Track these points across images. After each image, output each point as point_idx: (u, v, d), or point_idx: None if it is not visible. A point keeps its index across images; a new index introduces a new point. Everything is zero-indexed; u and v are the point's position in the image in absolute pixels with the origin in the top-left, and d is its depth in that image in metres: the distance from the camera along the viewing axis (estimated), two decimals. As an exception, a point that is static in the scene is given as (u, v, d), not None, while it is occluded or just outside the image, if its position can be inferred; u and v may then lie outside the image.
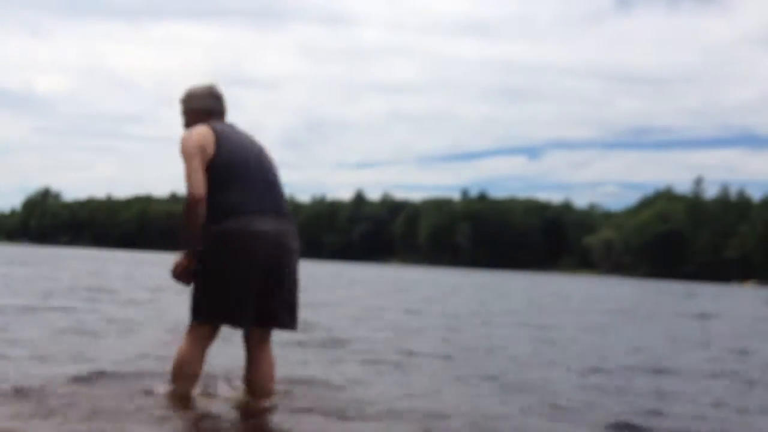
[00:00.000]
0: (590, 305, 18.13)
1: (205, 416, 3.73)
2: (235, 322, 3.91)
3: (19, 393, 3.99)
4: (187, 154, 3.88)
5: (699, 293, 35.88)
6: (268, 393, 4.05)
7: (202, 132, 3.94)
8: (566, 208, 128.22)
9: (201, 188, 3.81)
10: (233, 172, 3.93)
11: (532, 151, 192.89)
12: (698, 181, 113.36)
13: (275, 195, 4.03)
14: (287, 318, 4.00)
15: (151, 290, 13.96)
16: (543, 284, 38.54)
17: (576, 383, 5.37)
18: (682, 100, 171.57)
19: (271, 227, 3.91)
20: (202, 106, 4.14)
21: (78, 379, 4.45)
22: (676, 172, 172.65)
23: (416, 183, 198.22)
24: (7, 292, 11.35)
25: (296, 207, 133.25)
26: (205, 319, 3.91)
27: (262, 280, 3.89)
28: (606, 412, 4.33)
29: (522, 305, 16.26)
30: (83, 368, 4.79)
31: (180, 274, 3.95)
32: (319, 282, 22.72)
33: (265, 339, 4.03)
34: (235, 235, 3.84)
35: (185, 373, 3.93)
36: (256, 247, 3.86)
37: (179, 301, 10.56)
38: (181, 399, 3.91)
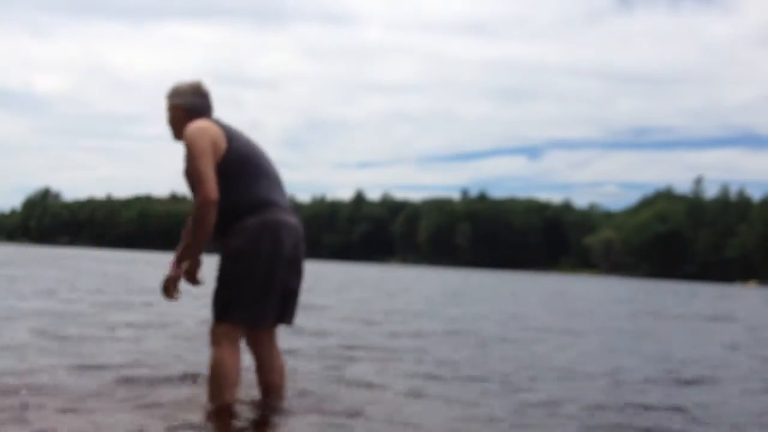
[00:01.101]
0: (631, 307, 17.88)
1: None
2: (269, 318, 3.79)
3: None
4: (198, 149, 3.70)
5: (720, 295, 35.15)
6: (283, 390, 4.01)
7: (209, 126, 3.80)
8: (566, 208, 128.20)
9: (215, 190, 3.65)
10: (253, 163, 3.83)
11: (532, 151, 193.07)
12: (698, 181, 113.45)
13: (284, 189, 3.99)
14: (294, 314, 3.96)
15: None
16: (562, 286, 38.38)
17: None
18: (683, 100, 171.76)
19: (294, 221, 3.86)
20: (186, 103, 3.94)
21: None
22: (676, 172, 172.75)
23: (416, 183, 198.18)
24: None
25: (296, 207, 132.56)
26: (245, 318, 3.74)
27: (286, 275, 3.82)
28: None
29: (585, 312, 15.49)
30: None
31: (171, 288, 3.93)
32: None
33: (274, 335, 3.97)
34: (275, 226, 3.73)
35: (232, 382, 3.73)
36: (288, 240, 3.78)
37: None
38: (228, 410, 3.72)
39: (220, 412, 3.69)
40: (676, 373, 6.19)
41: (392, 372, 5.49)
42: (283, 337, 5.41)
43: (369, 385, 4.87)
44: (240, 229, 3.72)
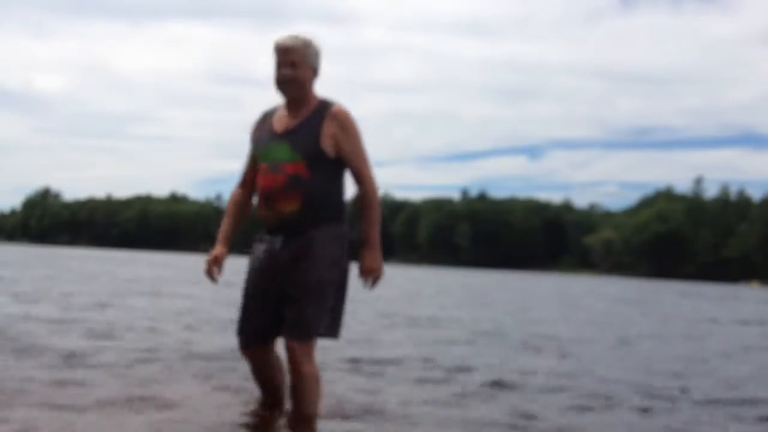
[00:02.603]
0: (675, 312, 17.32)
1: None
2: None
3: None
4: (359, 132, 3.61)
5: (734, 296, 34.49)
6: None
7: None
8: (566, 208, 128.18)
9: None
10: None
11: (532, 151, 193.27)
12: (698, 181, 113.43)
13: None
14: None
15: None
16: (570, 287, 38.26)
17: None
18: (683, 100, 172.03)
19: None
20: (316, 67, 3.66)
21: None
22: (676, 172, 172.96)
23: (416, 183, 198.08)
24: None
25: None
26: (322, 331, 3.57)
27: None
28: None
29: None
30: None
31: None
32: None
33: None
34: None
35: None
36: None
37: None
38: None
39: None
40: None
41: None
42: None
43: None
44: (340, 234, 3.56)
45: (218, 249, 3.69)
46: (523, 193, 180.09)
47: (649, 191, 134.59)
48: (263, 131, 3.65)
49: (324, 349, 5.97)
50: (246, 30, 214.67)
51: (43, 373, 4.58)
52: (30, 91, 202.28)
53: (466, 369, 5.76)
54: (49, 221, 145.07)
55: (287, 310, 3.51)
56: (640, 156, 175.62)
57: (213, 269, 3.64)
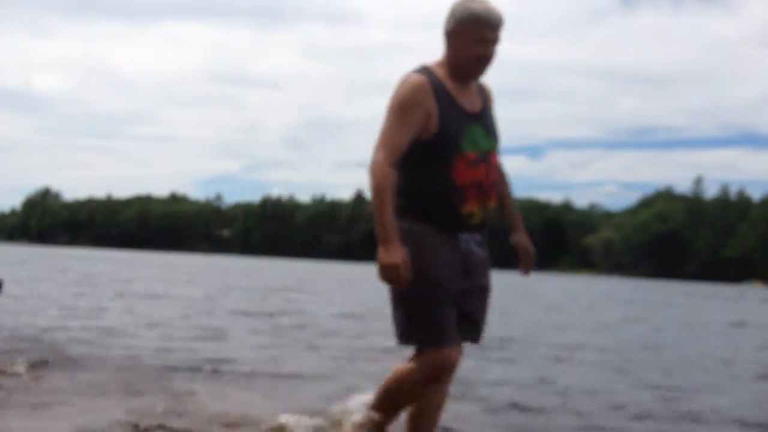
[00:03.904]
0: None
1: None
2: None
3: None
4: None
5: (744, 296, 33.92)
6: None
7: None
8: (566, 208, 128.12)
9: None
10: None
11: (532, 151, 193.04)
12: (698, 181, 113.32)
13: None
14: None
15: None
16: (582, 287, 38.03)
17: None
18: (684, 100, 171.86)
19: None
20: None
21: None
22: (676, 172, 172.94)
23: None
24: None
25: (296, 207, 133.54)
26: None
27: None
28: None
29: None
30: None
31: None
32: None
33: None
34: None
35: None
36: None
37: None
38: None
39: None
40: None
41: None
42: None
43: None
44: None
45: (401, 247, 2.95)
46: (523, 193, 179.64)
47: (649, 191, 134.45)
48: (450, 107, 3.05)
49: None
50: (246, 30, 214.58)
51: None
52: (30, 91, 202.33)
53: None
54: (49, 221, 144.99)
55: (477, 308, 3.21)
56: (640, 156, 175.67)
57: (405, 271, 2.94)
